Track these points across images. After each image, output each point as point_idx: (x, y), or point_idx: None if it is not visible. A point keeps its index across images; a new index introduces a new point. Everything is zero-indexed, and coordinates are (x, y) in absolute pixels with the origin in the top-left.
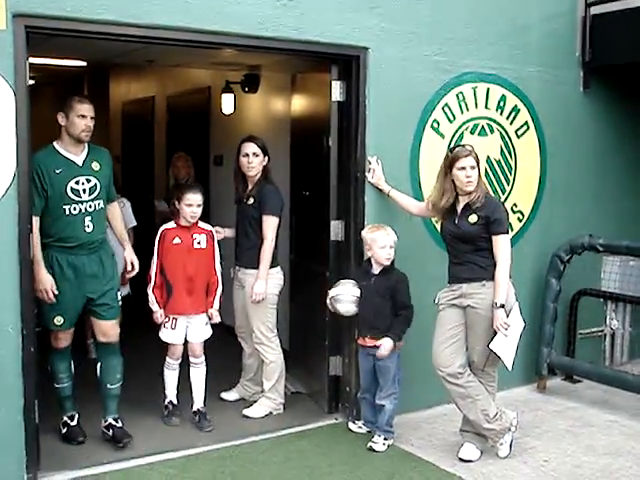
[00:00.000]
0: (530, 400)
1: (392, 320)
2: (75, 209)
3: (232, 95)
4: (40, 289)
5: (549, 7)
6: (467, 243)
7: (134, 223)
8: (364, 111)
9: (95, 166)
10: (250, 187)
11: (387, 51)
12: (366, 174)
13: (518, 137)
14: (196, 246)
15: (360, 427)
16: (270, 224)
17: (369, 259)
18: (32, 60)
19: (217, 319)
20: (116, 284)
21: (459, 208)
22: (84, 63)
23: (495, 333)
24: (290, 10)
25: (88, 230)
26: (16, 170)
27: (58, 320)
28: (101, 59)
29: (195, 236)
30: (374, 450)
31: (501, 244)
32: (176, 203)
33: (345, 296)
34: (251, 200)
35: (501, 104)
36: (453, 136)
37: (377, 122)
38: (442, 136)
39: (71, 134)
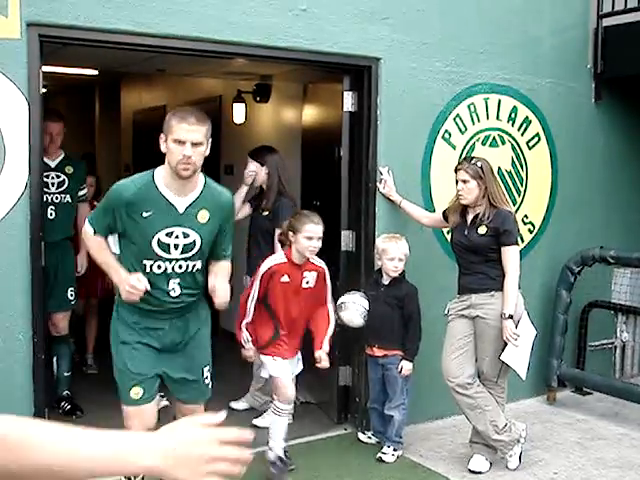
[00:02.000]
0: (540, 412)
1: (401, 332)
2: (159, 267)
3: (243, 105)
4: (126, 289)
5: (561, 19)
6: (476, 254)
7: None
8: (375, 121)
9: (202, 217)
10: (265, 198)
11: (399, 62)
12: (377, 184)
13: (529, 148)
14: (304, 285)
15: (369, 437)
16: None
17: (380, 269)
18: (45, 69)
19: (326, 364)
20: (206, 359)
21: (469, 219)
22: (96, 72)
23: (505, 344)
24: (302, 20)
25: (173, 294)
26: (28, 179)
27: (136, 392)
28: (113, 68)
29: (305, 274)
30: (383, 461)
31: (510, 255)
32: (290, 234)
33: (350, 304)
34: (266, 212)
35: (512, 115)
36: (464, 147)
37: (388, 133)
38: (453, 147)
39: (171, 167)
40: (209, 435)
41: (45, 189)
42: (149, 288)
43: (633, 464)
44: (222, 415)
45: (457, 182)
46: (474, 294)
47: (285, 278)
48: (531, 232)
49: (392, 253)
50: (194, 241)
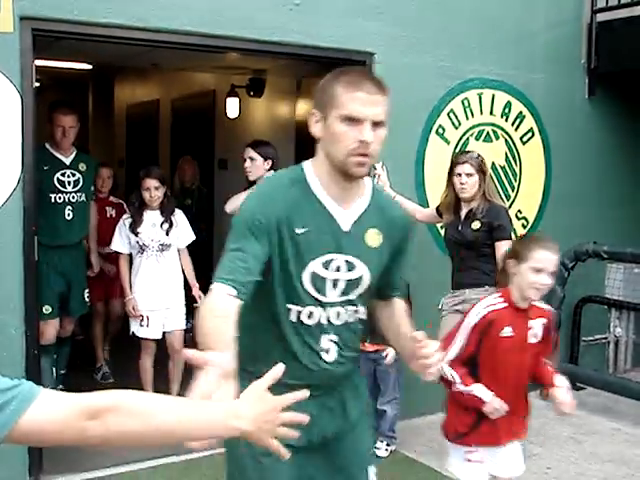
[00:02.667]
0: (533, 407)
1: None
2: (311, 316)
3: (237, 99)
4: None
5: (555, 14)
6: (470, 249)
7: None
8: None
9: (372, 239)
10: None
11: (393, 56)
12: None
13: (523, 143)
14: (531, 340)
15: None
16: None
17: None
18: (38, 62)
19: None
20: (369, 457)
21: (462, 214)
22: (89, 66)
23: None
24: (296, 15)
25: (327, 358)
26: (21, 174)
27: None
28: (106, 62)
29: (532, 324)
30: (377, 456)
31: (504, 250)
32: (510, 263)
33: None
34: None
35: (506, 110)
36: (458, 142)
37: None
38: (447, 142)
39: (334, 161)
40: (278, 402)
41: (61, 188)
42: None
43: (626, 459)
44: (281, 368)
45: (458, 175)
46: (468, 289)
47: (507, 331)
48: (525, 227)
49: None
50: (360, 277)
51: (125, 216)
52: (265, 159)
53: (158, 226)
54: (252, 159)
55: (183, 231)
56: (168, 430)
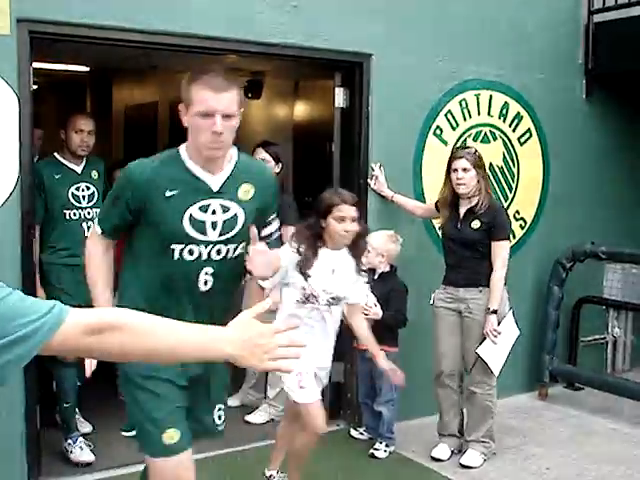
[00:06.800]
0: (532, 407)
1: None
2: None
3: None
4: None
5: (552, 15)
6: (468, 248)
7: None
8: (367, 118)
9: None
10: None
11: (390, 58)
12: (369, 181)
13: (521, 144)
14: None
15: (362, 433)
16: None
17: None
18: (35, 65)
19: None
20: None
21: (461, 212)
22: (87, 68)
23: (484, 337)
24: (294, 17)
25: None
26: (19, 176)
27: None
28: (104, 64)
29: None
30: (375, 457)
31: (501, 250)
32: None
33: None
34: None
35: (504, 111)
36: (456, 143)
37: (380, 129)
38: (445, 143)
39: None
40: (269, 328)
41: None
42: None
43: (625, 459)
44: (269, 302)
45: (455, 171)
46: (462, 288)
47: None
48: (522, 228)
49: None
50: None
51: None
52: (277, 161)
53: None
54: (263, 160)
55: None
56: (168, 349)
